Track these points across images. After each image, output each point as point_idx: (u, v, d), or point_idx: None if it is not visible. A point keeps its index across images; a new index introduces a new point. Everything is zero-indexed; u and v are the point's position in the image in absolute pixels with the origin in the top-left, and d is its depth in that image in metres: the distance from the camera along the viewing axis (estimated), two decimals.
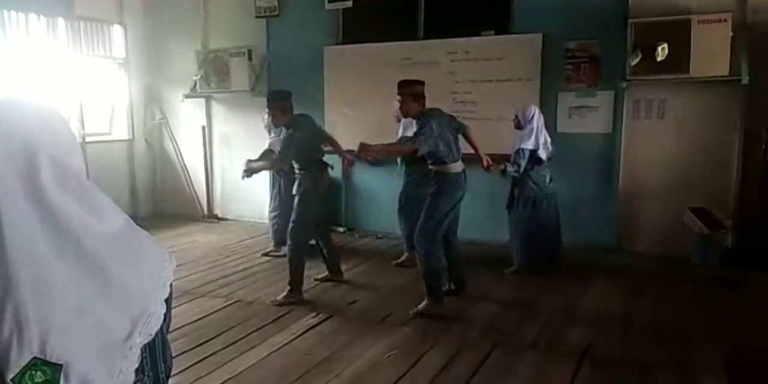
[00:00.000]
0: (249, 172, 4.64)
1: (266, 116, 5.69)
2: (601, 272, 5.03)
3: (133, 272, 0.80)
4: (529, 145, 4.84)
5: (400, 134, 5.27)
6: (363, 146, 3.89)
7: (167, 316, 0.87)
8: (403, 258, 5.37)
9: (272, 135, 5.66)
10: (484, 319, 4.02)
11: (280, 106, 4.48)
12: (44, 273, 0.71)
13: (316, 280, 4.81)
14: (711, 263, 5.03)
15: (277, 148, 4.91)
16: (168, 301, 0.86)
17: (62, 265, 0.72)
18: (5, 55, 6.00)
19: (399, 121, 5.27)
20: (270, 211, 5.86)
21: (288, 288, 4.39)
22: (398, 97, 4.21)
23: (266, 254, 5.73)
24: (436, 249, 4.11)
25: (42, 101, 0.82)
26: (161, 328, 0.85)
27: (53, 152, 0.75)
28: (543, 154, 4.91)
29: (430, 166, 4.22)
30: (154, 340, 0.83)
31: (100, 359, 0.75)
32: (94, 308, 0.75)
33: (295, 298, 4.36)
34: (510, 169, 4.87)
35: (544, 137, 4.92)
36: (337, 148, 4.92)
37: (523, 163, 4.85)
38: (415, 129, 4.30)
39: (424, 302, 4.11)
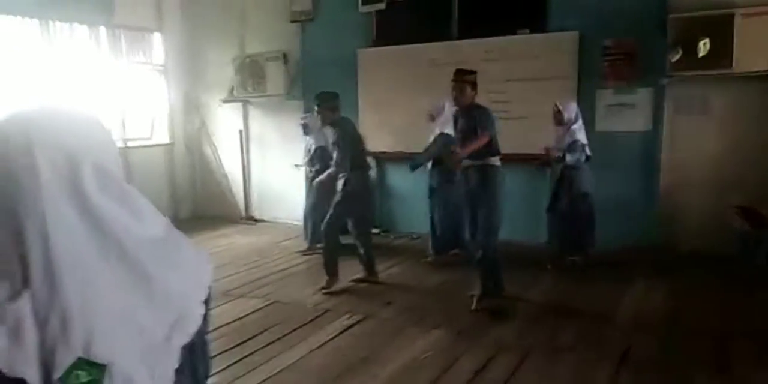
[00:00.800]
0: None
1: (303, 120, 5.84)
2: (643, 272, 4.91)
3: (173, 274, 0.81)
4: (585, 139, 4.88)
5: (437, 131, 5.20)
6: (455, 157, 4.19)
7: (206, 318, 0.88)
8: (431, 258, 5.43)
9: (309, 138, 5.83)
10: (521, 321, 3.97)
11: (330, 105, 4.72)
12: (88, 275, 0.73)
13: (352, 280, 4.86)
14: (757, 262, 4.86)
15: (319, 143, 5.45)
16: (207, 302, 0.88)
17: (105, 267, 0.75)
18: (51, 63, 6.21)
19: (433, 120, 5.23)
20: (310, 210, 5.91)
21: (327, 278, 4.71)
22: (452, 84, 4.19)
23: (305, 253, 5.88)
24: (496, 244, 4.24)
25: (82, 109, 0.85)
26: (200, 329, 0.86)
27: (95, 159, 0.77)
28: (589, 151, 4.96)
29: (481, 161, 4.14)
30: (193, 340, 0.84)
31: (142, 360, 0.76)
32: (137, 309, 0.76)
33: (335, 285, 4.70)
34: (570, 157, 4.86)
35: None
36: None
37: (579, 156, 4.85)
38: (451, 125, 4.54)
39: (479, 295, 4.19)
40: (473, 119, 4.18)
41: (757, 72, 4.82)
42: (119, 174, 0.82)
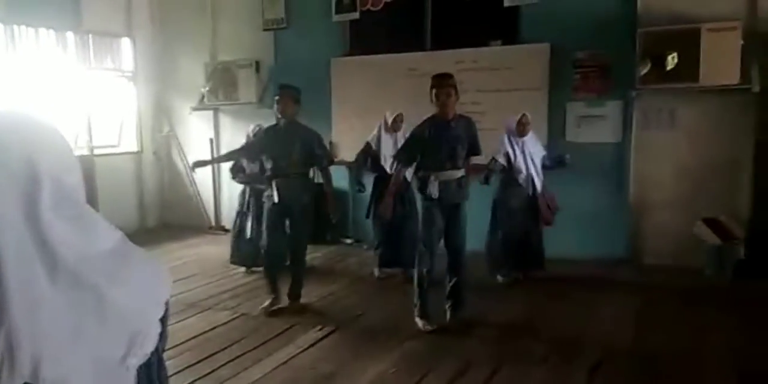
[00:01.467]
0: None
1: (251, 128, 5.37)
2: (612, 285, 4.94)
3: (126, 292, 0.79)
4: None
5: (388, 148, 5.06)
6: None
7: (163, 335, 0.86)
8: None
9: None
10: (491, 336, 3.93)
11: (293, 95, 4.32)
12: (37, 297, 0.70)
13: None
14: (724, 275, 4.93)
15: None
16: (164, 319, 0.86)
17: (55, 289, 0.71)
18: (16, 68, 6.05)
19: (396, 131, 5.12)
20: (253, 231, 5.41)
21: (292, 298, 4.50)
22: (434, 90, 3.84)
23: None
24: None
25: (41, 117, 0.81)
26: (157, 347, 0.84)
27: (54, 173, 0.74)
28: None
29: (461, 173, 4.06)
30: (149, 359, 0.82)
31: (97, 382, 0.74)
32: (89, 331, 0.74)
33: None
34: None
35: None
36: None
37: None
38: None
39: (453, 308, 4.13)
40: (464, 132, 4.01)
41: (723, 86, 4.91)
42: (78, 187, 0.79)
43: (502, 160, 4.82)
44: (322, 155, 4.37)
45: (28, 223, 0.70)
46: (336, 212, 4.49)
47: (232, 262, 5.58)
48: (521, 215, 4.88)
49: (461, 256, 4.08)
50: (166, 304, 0.86)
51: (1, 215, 0.69)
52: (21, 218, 0.70)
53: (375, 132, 5.25)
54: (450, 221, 4.04)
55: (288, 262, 4.57)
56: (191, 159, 7.57)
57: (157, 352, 0.84)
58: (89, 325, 0.73)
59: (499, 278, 5.00)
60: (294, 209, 4.32)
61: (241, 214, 5.47)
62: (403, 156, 4.16)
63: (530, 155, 4.84)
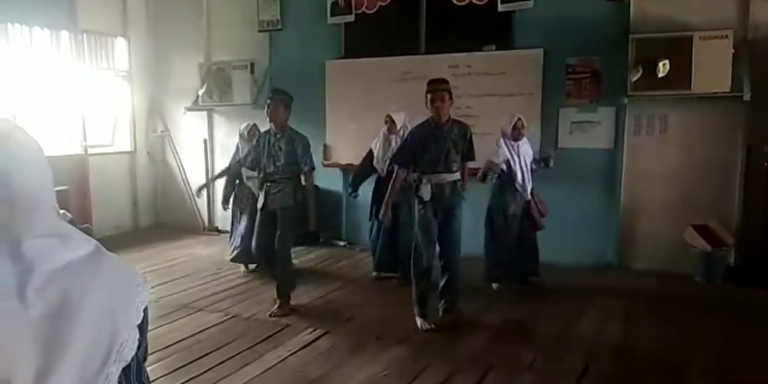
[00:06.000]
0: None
1: (243, 126, 5.50)
2: (602, 290, 4.96)
3: (100, 298, 0.79)
4: (503, 155, 4.72)
5: (381, 150, 5.14)
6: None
7: (142, 342, 0.86)
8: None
9: (239, 149, 5.42)
10: (480, 340, 3.94)
11: (284, 99, 4.34)
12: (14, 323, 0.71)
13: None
14: (714, 281, 4.97)
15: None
16: (142, 326, 0.85)
17: (30, 313, 0.73)
18: (9, 67, 6.03)
19: (392, 130, 5.14)
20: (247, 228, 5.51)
21: (281, 301, 4.45)
22: (429, 95, 3.94)
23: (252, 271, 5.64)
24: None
25: (12, 123, 0.81)
26: (136, 354, 0.84)
27: (30, 192, 0.77)
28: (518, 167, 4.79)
29: (455, 177, 4.12)
30: (129, 365, 0.82)
31: None
32: (65, 338, 0.74)
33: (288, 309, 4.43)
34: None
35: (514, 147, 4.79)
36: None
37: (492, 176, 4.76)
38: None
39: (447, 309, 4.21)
40: (459, 137, 4.08)
41: (714, 93, 4.95)
42: (51, 203, 0.81)
43: (503, 165, 4.72)
44: (304, 160, 4.37)
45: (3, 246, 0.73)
46: (317, 223, 4.50)
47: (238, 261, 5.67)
48: (517, 221, 4.85)
49: (455, 253, 4.17)
50: (145, 311, 0.86)
51: None
52: None
53: (380, 138, 5.20)
54: (444, 224, 4.12)
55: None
56: (185, 159, 7.64)
57: (137, 359, 0.85)
58: (66, 338, 0.74)
59: (494, 286, 4.98)
60: (278, 213, 4.40)
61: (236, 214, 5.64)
62: (400, 158, 4.19)
63: (524, 159, 4.80)
